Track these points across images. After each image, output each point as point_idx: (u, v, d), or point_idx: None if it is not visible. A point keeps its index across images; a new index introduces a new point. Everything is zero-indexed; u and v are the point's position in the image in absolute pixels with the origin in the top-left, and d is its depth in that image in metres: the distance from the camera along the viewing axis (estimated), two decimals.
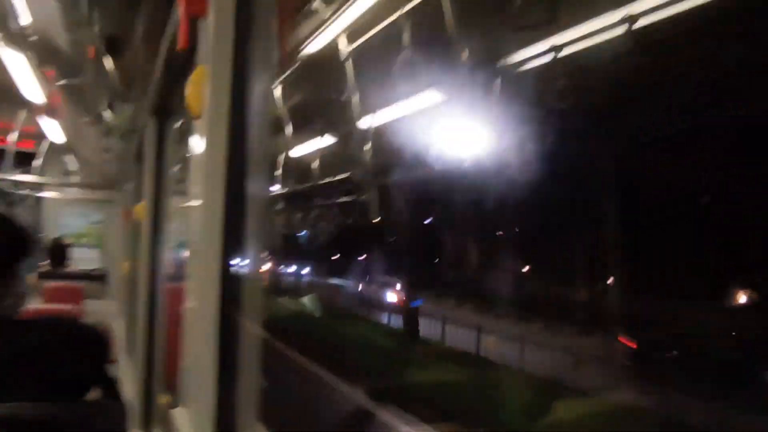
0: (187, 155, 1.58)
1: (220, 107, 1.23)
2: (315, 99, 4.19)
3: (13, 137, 5.63)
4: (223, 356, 1.20)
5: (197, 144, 1.28)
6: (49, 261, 5.61)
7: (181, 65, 2.12)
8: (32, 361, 1.16)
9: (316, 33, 2.75)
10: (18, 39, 2.77)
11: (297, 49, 2.87)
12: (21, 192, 6.80)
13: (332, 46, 2.91)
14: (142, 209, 3.02)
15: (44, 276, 5.13)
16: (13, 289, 1.27)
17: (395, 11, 2.59)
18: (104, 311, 4.73)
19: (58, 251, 5.68)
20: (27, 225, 1.40)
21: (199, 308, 1.21)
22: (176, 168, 3.42)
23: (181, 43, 1.45)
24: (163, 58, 2.18)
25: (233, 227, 1.23)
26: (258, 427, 1.25)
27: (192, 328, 1.23)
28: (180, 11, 1.40)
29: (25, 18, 2.61)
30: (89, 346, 1.29)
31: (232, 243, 1.22)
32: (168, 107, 2.88)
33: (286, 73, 3.33)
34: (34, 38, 2.81)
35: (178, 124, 3.04)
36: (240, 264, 1.25)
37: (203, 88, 1.25)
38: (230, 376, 1.21)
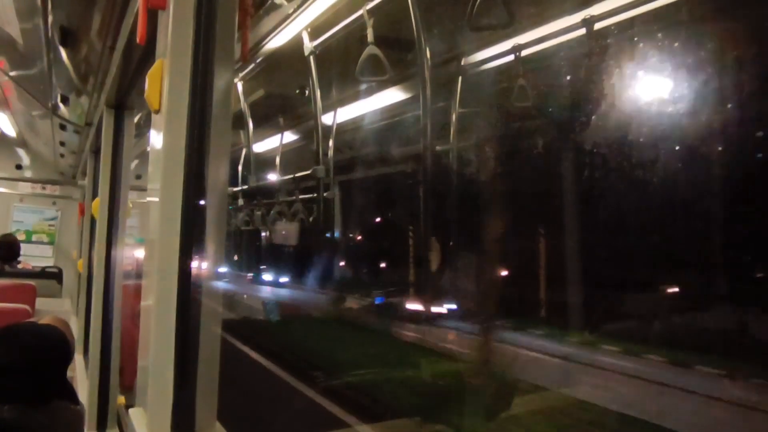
0: (147, 150, 1.55)
1: (180, 101, 1.21)
2: (277, 95, 4.15)
3: None
4: (181, 355, 1.19)
5: (156, 139, 1.26)
6: None
7: (139, 58, 2.08)
8: (3, 370, 1.14)
9: (279, 28, 2.72)
10: None
11: (259, 44, 2.84)
12: None
13: (295, 42, 2.89)
14: (98, 205, 2.96)
15: None
16: None
17: (359, 8, 2.58)
18: (58, 310, 4.60)
19: (9, 248, 5.49)
20: None
21: (157, 307, 1.19)
22: (134, 163, 3.35)
23: (139, 35, 1.42)
24: (121, 51, 2.13)
25: (192, 224, 1.21)
26: (217, 426, 1.24)
27: (149, 326, 1.21)
28: (139, 2, 1.37)
29: None
30: (50, 353, 1.27)
31: (191, 240, 1.20)
32: (126, 101, 2.82)
33: (248, 68, 3.29)
34: None
35: (136, 118, 2.97)
36: (199, 262, 1.23)
37: (162, 82, 1.23)
38: (189, 375, 1.19)
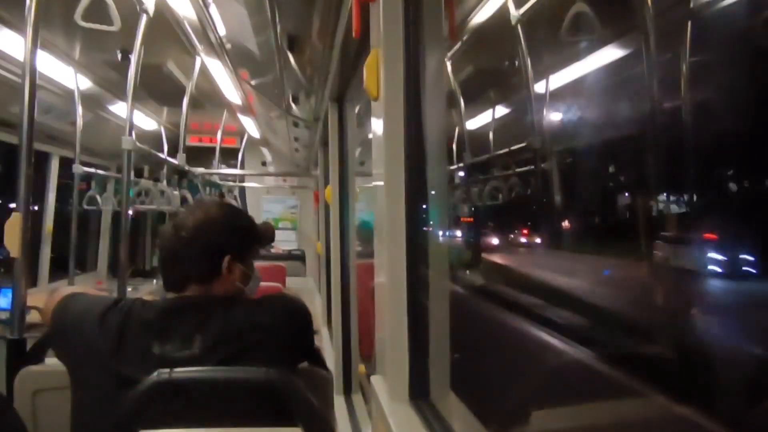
0: (367, 137, 1.66)
1: (396, 87, 1.26)
2: (486, 69, 4.11)
3: (218, 136, 6.36)
4: (413, 328, 1.25)
5: (377, 125, 1.33)
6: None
7: (356, 51, 2.22)
8: (265, 332, 1.34)
9: (484, 1, 2.69)
10: (217, 48, 3.10)
11: (465, 20, 2.83)
12: (228, 183, 7.67)
13: (501, 13, 2.82)
14: (329, 192, 3.23)
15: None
16: (254, 273, 1.49)
17: None
18: (303, 288, 5.17)
19: (266, 234, 6.25)
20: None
21: (389, 283, 1.26)
22: (357, 151, 3.59)
23: (354, 29, 1.51)
24: (339, 47, 2.29)
25: (416, 204, 1.26)
26: (451, 395, 1.28)
27: (383, 301, 1.30)
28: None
29: (221, 29, 2.91)
30: (304, 320, 1.46)
31: (416, 219, 1.26)
32: (346, 93, 3.03)
33: (456, 47, 3.31)
34: (228, 46, 3.12)
35: (356, 109, 3.18)
36: (425, 240, 1.28)
37: (379, 71, 1.29)
38: (422, 346, 1.25)
